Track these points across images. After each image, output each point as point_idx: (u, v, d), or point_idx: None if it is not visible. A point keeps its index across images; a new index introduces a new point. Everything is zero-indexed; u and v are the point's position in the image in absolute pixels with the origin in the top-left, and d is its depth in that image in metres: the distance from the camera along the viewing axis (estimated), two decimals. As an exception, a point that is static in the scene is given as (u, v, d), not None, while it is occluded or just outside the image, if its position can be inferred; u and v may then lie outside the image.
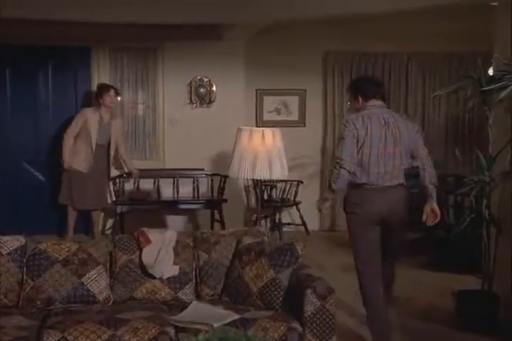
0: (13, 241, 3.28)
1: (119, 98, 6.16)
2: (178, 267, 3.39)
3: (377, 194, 3.59)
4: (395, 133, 3.63)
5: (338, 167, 3.55)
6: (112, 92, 5.95)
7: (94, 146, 5.87)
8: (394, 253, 3.74)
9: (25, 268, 3.25)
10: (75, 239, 5.73)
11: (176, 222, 6.43)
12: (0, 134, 6.34)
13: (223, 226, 6.03)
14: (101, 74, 6.43)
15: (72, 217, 6.04)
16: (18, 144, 6.35)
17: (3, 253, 3.23)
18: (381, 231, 3.65)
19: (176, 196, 6.32)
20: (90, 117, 5.87)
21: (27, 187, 6.33)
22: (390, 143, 3.61)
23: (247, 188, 6.84)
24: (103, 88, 5.95)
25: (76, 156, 5.87)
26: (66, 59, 6.36)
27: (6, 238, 3.30)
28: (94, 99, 6.03)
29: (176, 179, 6.34)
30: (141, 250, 3.42)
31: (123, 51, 6.49)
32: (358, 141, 3.56)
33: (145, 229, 3.55)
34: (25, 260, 3.27)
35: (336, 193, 3.63)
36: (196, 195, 6.37)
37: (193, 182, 6.40)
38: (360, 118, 3.62)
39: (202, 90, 6.54)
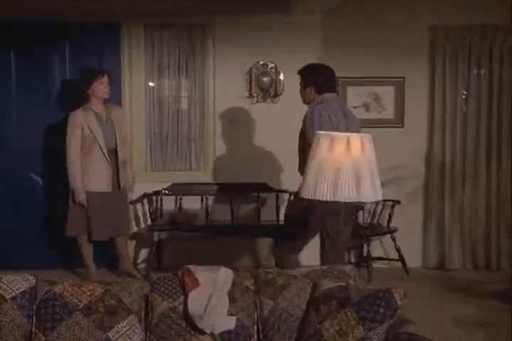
0: (19, 282, 3.31)
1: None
2: (234, 318, 3.38)
3: None
4: (352, 124, 4.91)
5: None
6: (105, 79, 5.97)
7: (106, 153, 5.97)
8: None
9: (34, 318, 3.27)
10: (98, 277, 6.00)
11: (231, 256, 6.52)
12: (3, 135, 6.55)
13: (294, 263, 6.17)
14: (133, 58, 6.59)
15: (87, 250, 6.16)
16: (25, 149, 6.54)
17: (7, 297, 3.25)
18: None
19: (231, 219, 6.41)
20: (85, 120, 5.92)
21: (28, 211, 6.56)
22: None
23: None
24: (93, 74, 5.95)
25: (90, 175, 5.95)
26: (88, 39, 6.48)
27: (11, 277, 3.33)
28: (81, 91, 6.00)
29: (231, 197, 6.41)
30: (186, 295, 3.42)
31: (161, 28, 6.62)
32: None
33: (191, 267, 3.56)
34: (35, 307, 3.29)
35: None
36: (257, 219, 6.44)
37: (255, 201, 6.47)
38: (328, 109, 4.75)
39: (265, 80, 6.61)
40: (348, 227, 5.11)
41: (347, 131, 4.63)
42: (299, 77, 6.33)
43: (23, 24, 6.35)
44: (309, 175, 4.03)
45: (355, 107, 6.80)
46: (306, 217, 4.99)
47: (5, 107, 6.51)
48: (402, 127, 6.93)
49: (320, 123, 4.75)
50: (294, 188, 5.82)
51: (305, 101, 5.13)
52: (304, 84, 5.11)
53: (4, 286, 3.29)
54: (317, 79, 5.02)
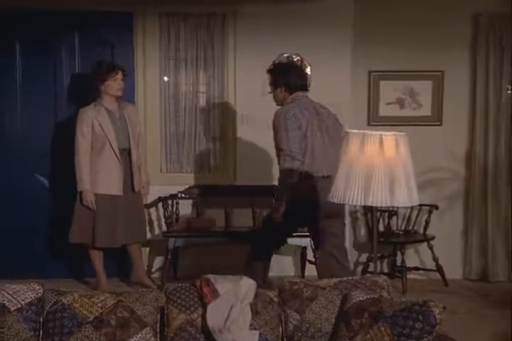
0: (25, 292, 3.33)
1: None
2: (257, 333, 3.38)
3: (320, 184, 5.05)
4: (329, 122, 5.29)
5: (289, 160, 5.00)
6: (119, 75, 6.01)
7: (118, 154, 6.00)
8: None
9: (41, 332, 3.29)
10: (109, 286, 6.02)
11: None
12: (7, 134, 6.60)
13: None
14: (147, 50, 6.60)
15: (97, 258, 6.19)
16: (32, 149, 6.58)
17: (12, 309, 3.27)
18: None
19: (253, 225, 6.38)
20: (96, 117, 5.96)
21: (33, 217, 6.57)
22: (326, 133, 5.22)
23: (353, 214, 6.86)
24: (106, 70, 5.98)
25: (100, 177, 5.98)
26: (99, 29, 6.53)
27: (16, 287, 3.35)
28: (93, 86, 6.05)
29: (252, 200, 6.40)
30: (205, 307, 3.42)
31: (178, 18, 6.63)
32: (301, 132, 5.08)
33: (210, 277, 3.56)
34: (42, 319, 3.31)
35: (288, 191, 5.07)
36: None
37: None
38: (297, 108, 5.14)
39: None
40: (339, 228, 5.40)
41: (319, 129, 5.19)
42: (327, 70, 6.54)
43: (29, 14, 6.39)
44: (339, 177, 4.06)
45: (388, 104, 6.83)
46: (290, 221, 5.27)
47: (10, 103, 6.55)
48: (440, 125, 6.89)
49: (286, 124, 5.06)
50: None
51: (277, 103, 5.36)
52: (275, 85, 5.33)
53: (9, 297, 3.31)
54: (287, 79, 5.27)
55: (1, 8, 6.33)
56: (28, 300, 3.32)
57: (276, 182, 5.48)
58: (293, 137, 5.05)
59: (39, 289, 3.38)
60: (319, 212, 5.18)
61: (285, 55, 6.56)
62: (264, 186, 6.40)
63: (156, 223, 6.74)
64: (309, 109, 5.23)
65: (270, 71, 5.45)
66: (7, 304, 3.28)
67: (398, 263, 6.46)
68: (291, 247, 6.49)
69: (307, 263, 6.54)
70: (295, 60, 6.55)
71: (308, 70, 6.54)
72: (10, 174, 6.59)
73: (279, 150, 5.14)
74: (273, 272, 6.29)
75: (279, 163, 5.17)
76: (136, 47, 6.58)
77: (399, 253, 6.43)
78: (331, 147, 5.18)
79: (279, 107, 5.29)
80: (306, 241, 6.17)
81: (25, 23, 6.45)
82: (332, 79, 6.55)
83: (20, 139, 6.60)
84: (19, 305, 3.29)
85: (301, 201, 5.13)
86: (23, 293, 3.34)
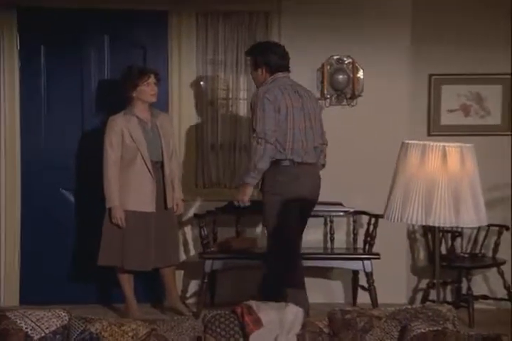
0: (50, 320, 3.34)
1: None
2: (304, 367, 3.37)
3: (302, 172, 5.43)
4: (310, 106, 5.56)
5: (262, 142, 5.25)
6: (152, 79, 6.03)
7: (150, 167, 6.01)
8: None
9: (67, 364, 3.30)
10: (140, 313, 6.02)
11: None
12: (30, 145, 6.64)
13: (375, 301, 6.10)
14: (182, 51, 6.62)
15: (126, 282, 6.18)
16: (56, 160, 6.62)
17: (35, 338, 3.27)
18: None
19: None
20: (127, 127, 5.99)
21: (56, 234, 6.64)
22: (307, 117, 5.50)
23: (412, 235, 6.80)
24: (138, 73, 6.01)
25: (130, 192, 5.99)
26: (130, 30, 6.60)
27: (39, 314, 3.36)
28: (124, 93, 6.06)
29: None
30: (247, 337, 3.41)
31: (217, 17, 6.66)
32: (279, 114, 5.34)
33: (252, 303, 3.54)
34: (68, 351, 3.33)
35: (259, 176, 5.40)
36: (329, 245, 6.49)
37: (324, 225, 6.52)
38: (277, 89, 5.38)
39: (341, 78, 6.60)
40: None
41: (301, 112, 5.47)
42: (381, 73, 6.54)
43: (55, 14, 6.47)
44: (395, 193, 4.00)
45: (451, 111, 6.80)
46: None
47: (33, 112, 6.62)
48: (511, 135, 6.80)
49: (264, 105, 5.33)
50: (374, 209, 5.99)
51: (257, 84, 5.67)
52: (255, 65, 5.60)
53: (32, 324, 3.32)
54: (268, 59, 5.53)
55: (24, 7, 6.43)
56: (53, 328, 3.33)
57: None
58: (269, 119, 5.32)
59: (65, 316, 3.38)
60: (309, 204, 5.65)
61: (335, 58, 6.58)
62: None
63: (191, 243, 6.75)
64: (289, 91, 5.49)
65: (250, 52, 5.72)
66: (30, 332, 3.29)
67: (464, 291, 6.36)
68: (341, 271, 6.49)
69: (359, 289, 6.49)
70: (346, 62, 6.58)
71: (360, 74, 6.57)
72: (32, 189, 6.64)
73: (252, 131, 5.44)
74: (320, 299, 6.41)
75: (251, 145, 5.49)
76: (171, 49, 6.61)
77: (464, 279, 6.33)
78: (312, 132, 5.54)
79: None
80: (358, 264, 6.18)
81: (50, 23, 6.53)
82: (387, 84, 6.56)
83: (44, 151, 6.65)
84: (43, 334, 3.30)
85: (293, 197, 5.43)
86: (47, 320, 3.35)
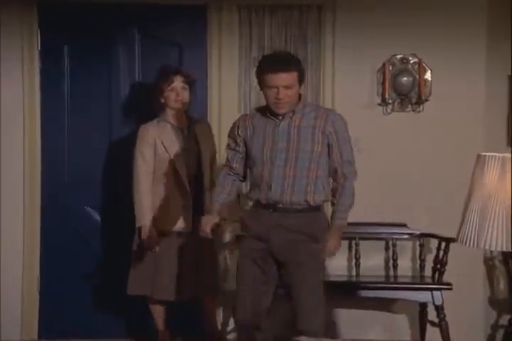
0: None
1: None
2: None
3: None
4: None
5: (355, 176, 4.73)
6: (178, 83, 5.75)
7: (187, 181, 5.72)
8: None
9: None
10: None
11: (357, 324, 6.33)
12: (52, 158, 6.42)
13: (447, 339, 5.81)
14: (223, 51, 6.38)
15: (159, 313, 5.93)
16: (80, 174, 6.40)
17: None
18: None
19: (354, 273, 6.28)
20: (160, 136, 5.75)
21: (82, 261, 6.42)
22: None
23: (489, 262, 6.43)
24: (163, 76, 5.84)
25: (164, 209, 5.74)
26: (164, 27, 6.40)
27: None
28: (154, 98, 5.87)
29: (354, 242, 6.25)
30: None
31: (262, 11, 6.43)
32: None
33: (304, 340, 3.67)
34: None
35: None
36: (392, 273, 6.26)
37: (386, 249, 6.31)
38: None
39: (405, 80, 6.35)
40: None
41: None
42: (452, 75, 6.30)
43: (80, 8, 6.31)
44: (470, 213, 3.90)
45: (532, 118, 6.57)
46: None
47: (55, 121, 6.40)
48: None
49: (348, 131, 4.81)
50: (443, 231, 5.79)
51: (291, 105, 4.67)
52: (300, 81, 4.72)
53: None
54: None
55: (45, 1, 6.26)
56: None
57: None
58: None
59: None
60: None
61: (398, 57, 6.33)
62: (369, 224, 6.21)
63: (232, 269, 6.23)
64: None
65: (297, 63, 4.71)
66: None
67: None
68: (406, 303, 6.22)
69: (428, 324, 6.15)
70: (411, 62, 6.32)
71: (427, 75, 6.32)
72: (53, 208, 6.42)
73: (347, 162, 4.76)
74: (383, 336, 6.38)
75: (339, 175, 4.78)
76: (210, 47, 6.39)
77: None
78: None
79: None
80: (427, 296, 5.90)
81: (74, 20, 6.35)
82: (459, 87, 6.29)
83: (67, 164, 6.44)
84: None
85: None
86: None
